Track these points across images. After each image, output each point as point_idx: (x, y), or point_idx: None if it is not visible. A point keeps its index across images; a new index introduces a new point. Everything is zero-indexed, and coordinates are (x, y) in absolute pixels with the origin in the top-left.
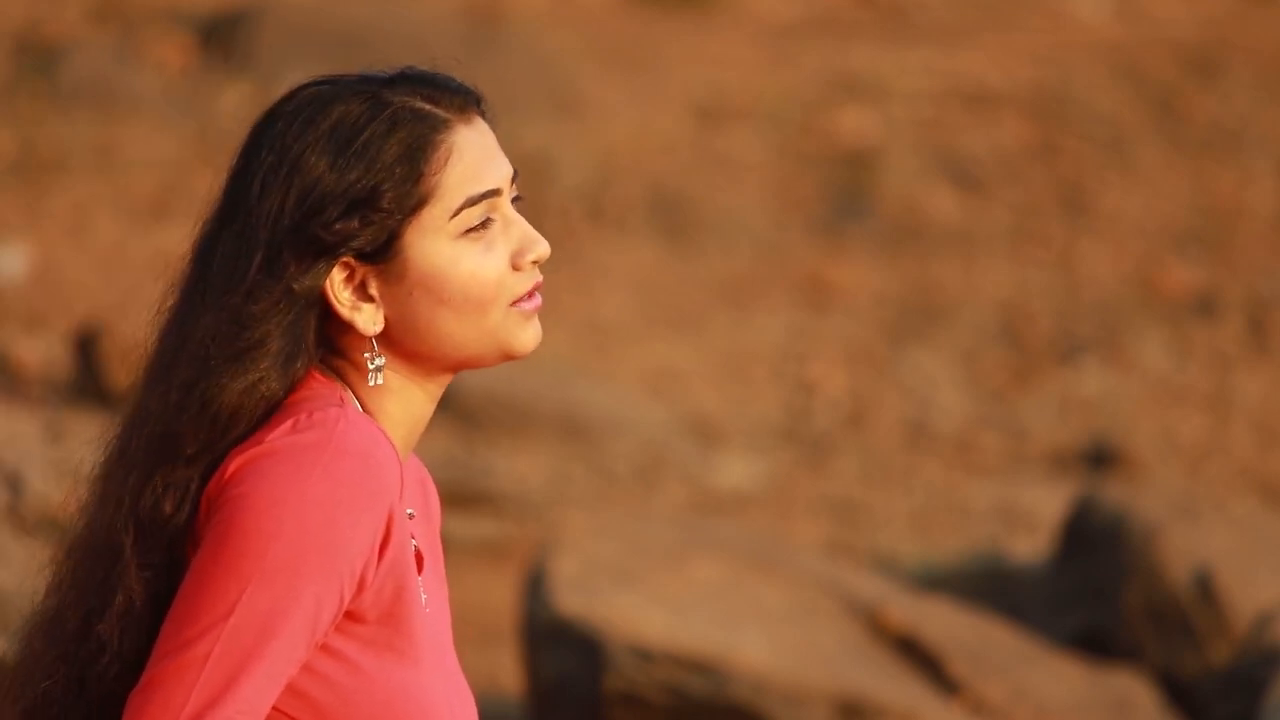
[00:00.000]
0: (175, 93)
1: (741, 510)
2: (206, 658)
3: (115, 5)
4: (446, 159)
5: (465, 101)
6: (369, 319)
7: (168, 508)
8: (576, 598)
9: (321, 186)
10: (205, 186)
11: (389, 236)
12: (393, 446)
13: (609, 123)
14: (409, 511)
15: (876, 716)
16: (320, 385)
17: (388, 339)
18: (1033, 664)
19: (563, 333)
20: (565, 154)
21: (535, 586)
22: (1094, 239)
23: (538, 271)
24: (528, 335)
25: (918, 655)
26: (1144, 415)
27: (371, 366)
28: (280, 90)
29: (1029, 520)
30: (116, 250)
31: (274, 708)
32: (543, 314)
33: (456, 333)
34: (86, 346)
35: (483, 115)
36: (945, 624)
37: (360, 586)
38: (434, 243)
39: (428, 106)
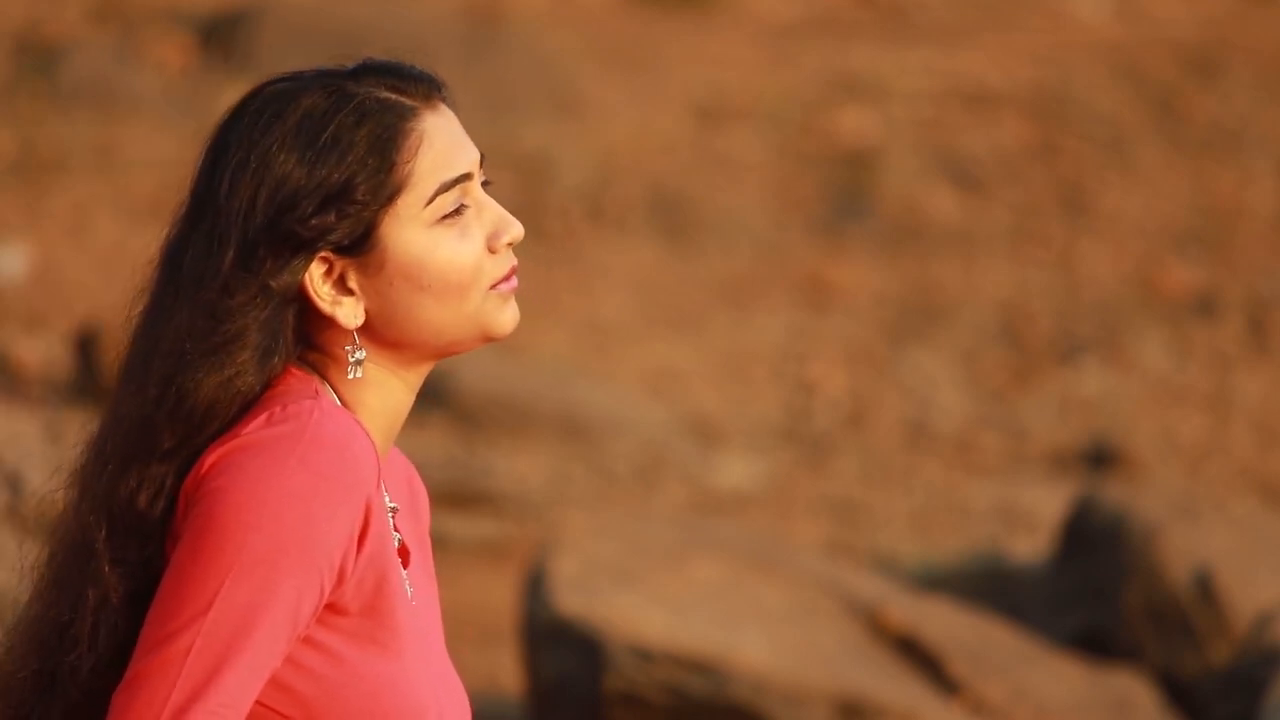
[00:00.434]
0: (175, 93)
1: (741, 510)
2: (188, 652)
3: (115, 5)
4: (417, 147)
5: (429, 89)
6: (350, 312)
7: (143, 503)
8: (576, 598)
9: (293, 182)
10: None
11: (366, 228)
12: (369, 438)
13: (609, 123)
14: (392, 505)
15: (876, 716)
16: (296, 379)
17: (368, 330)
18: (1033, 664)
19: (563, 333)
20: (565, 154)
21: (535, 586)
22: (1094, 239)
23: (513, 254)
24: (506, 316)
25: (918, 655)
26: (1144, 415)
27: (352, 360)
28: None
29: (1029, 520)
30: (116, 250)
31: (258, 702)
32: (543, 314)
33: (437, 319)
34: (86, 346)
35: (445, 101)
36: (945, 624)
37: (340, 578)
38: (411, 231)
39: (393, 96)
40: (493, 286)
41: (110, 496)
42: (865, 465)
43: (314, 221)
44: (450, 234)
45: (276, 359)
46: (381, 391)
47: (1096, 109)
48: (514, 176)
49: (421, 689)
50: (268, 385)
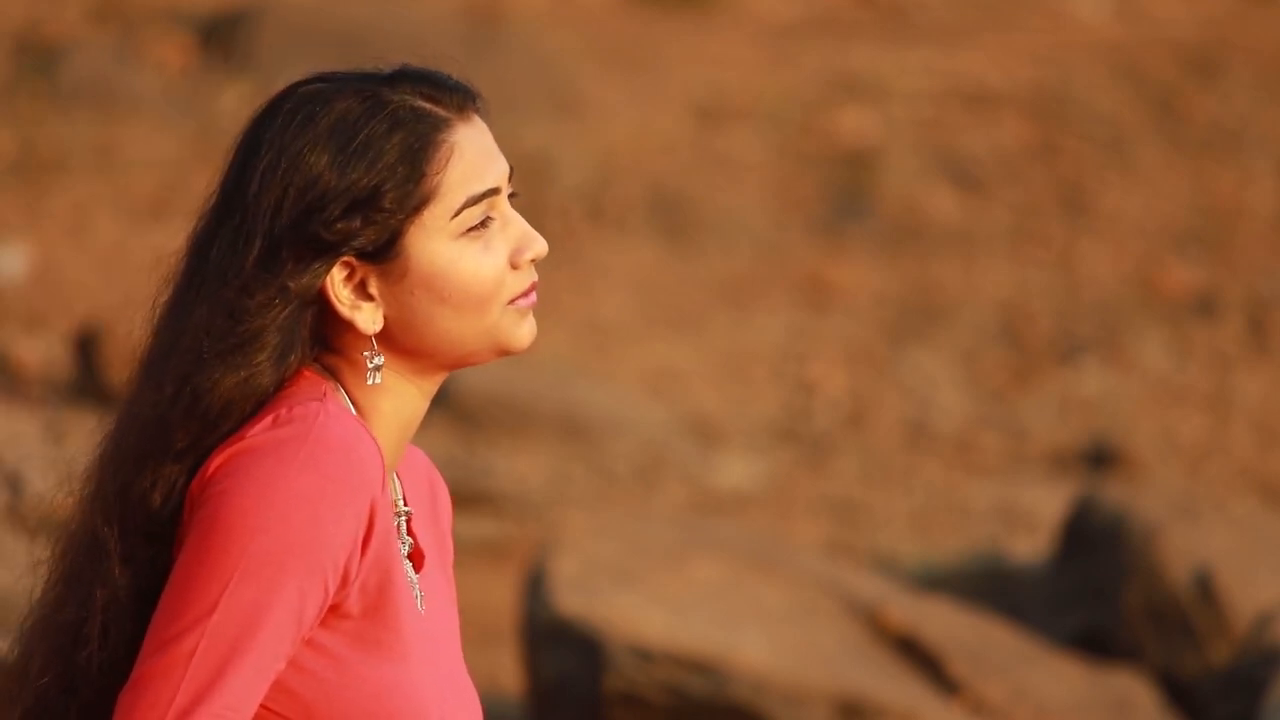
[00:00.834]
0: (175, 93)
1: (741, 510)
2: (192, 653)
3: (115, 5)
4: (448, 158)
5: (464, 100)
6: (369, 318)
7: (156, 502)
8: (576, 598)
9: (321, 184)
10: (205, 186)
11: (391, 236)
12: (374, 440)
13: (609, 123)
14: (406, 510)
15: (876, 716)
16: (306, 382)
17: (385, 337)
18: (1033, 664)
19: (563, 333)
20: (565, 154)
21: (535, 586)
22: (1094, 239)
23: (534, 270)
24: (524, 331)
25: (918, 655)
26: (1144, 415)
27: (371, 365)
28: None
29: (1029, 520)
30: (116, 250)
31: (261, 705)
32: (543, 314)
33: (455, 330)
34: (86, 346)
35: (479, 113)
36: (945, 624)
37: (344, 580)
38: (435, 242)
39: (428, 105)
40: (511, 301)
41: (123, 494)
42: (865, 465)
43: (339, 226)
44: (474, 247)
45: (292, 360)
46: (396, 398)
47: (1096, 109)
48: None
49: (425, 693)
50: (281, 385)
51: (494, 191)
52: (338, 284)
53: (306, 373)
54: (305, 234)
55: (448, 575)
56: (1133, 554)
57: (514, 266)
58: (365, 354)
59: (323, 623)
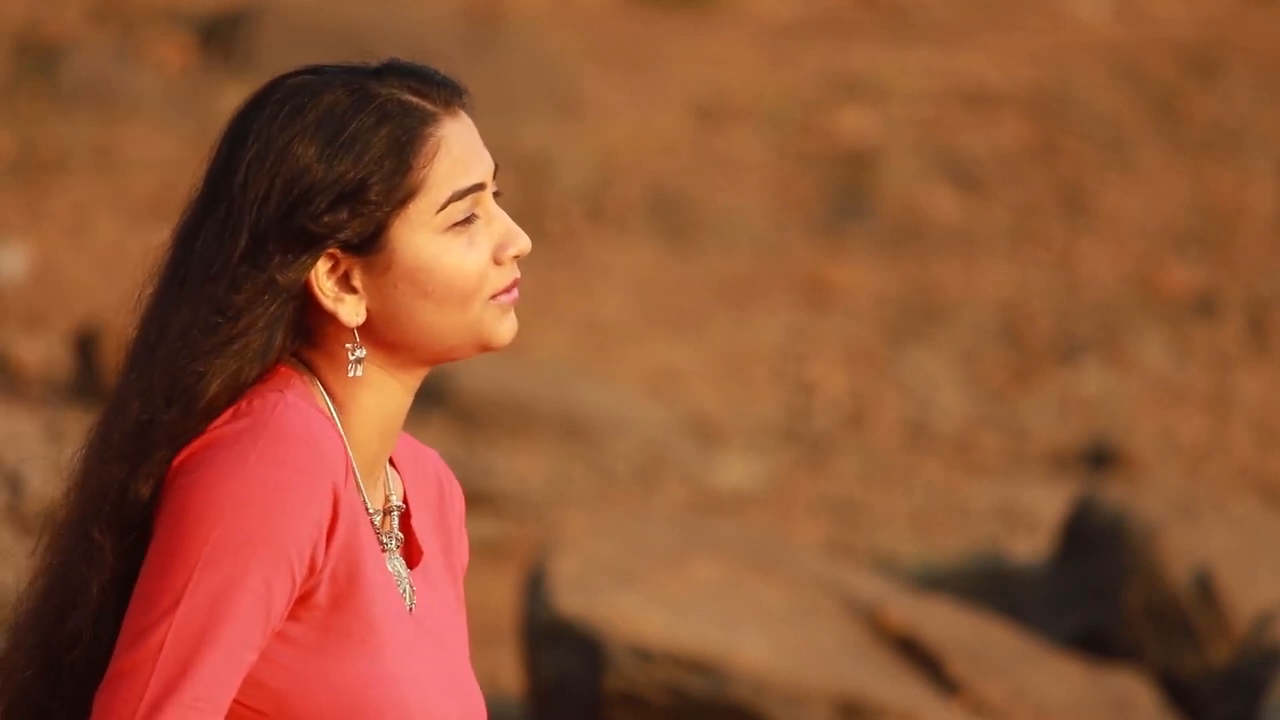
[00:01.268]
0: (175, 93)
1: (741, 510)
2: (161, 646)
3: (115, 5)
4: (435, 153)
5: (451, 95)
6: (352, 310)
7: (143, 493)
8: (576, 598)
9: (309, 177)
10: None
11: (376, 229)
12: (335, 429)
13: (609, 123)
14: (399, 504)
15: (876, 716)
16: (277, 375)
17: (367, 330)
18: (1033, 664)
19: (563, 333)
20: (565, 154)
21: (535, 586)
22: (1094, 239)
23: (517, 266)
24: (505, 327)
25: (918, 655)
26: (1144, 415)
27: (352, 358)
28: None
29: (1029, 520)
30: (116, 250)
31: (235, 700)
32: (543, 314)
33: (437, 324)
34: (86, 346)
35: (466, 109)
36: (945, 624)
37: (311, 568)
38: (420, 236)
39: (415, 100)
40: (494, 297)
41: (109, 487)
42: (865, 465)
43: (326, 218)
44: (458, 242)
45: (274, 354)
46: (377, 392)
47: (1096, 109)
48: (514, 176)
49: (406, 688)
50: (260, 379)
51: (479, 187)
52: (321, 276)
53: (281, 368)
54: (292, 226)
55: (454, 576)
56: (1133, 554)
57: (497, 262)
58: (347, 346)
59: (291, 615)
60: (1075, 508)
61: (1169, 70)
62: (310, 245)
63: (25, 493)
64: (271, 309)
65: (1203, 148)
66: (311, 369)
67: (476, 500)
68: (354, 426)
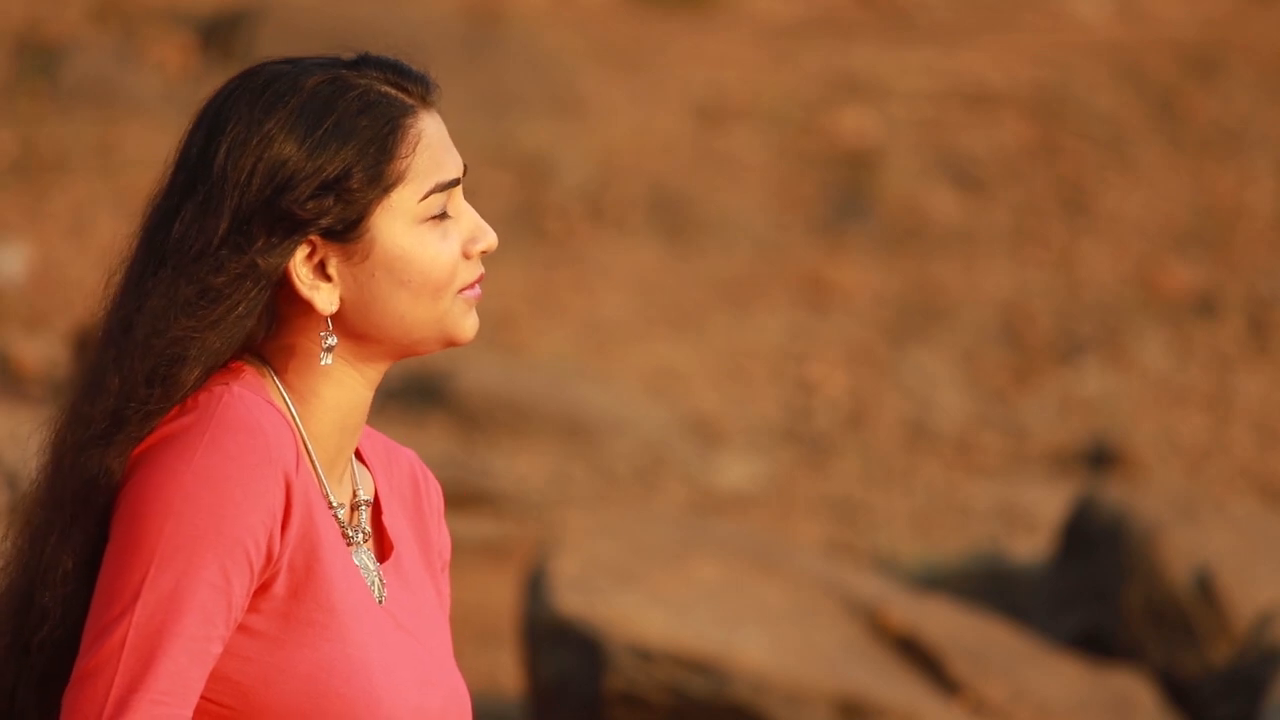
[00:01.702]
0: (175, 93)
1: (741, 510)
2: (123, 644)
3: (115, 5)
4: (416, 143)
5: (426, 90)
6: (327, 298)
7: (118, 472)
8: (576, 598)
9: (293, 163)
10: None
11: (359, 216)
12: (284, 418)
13: (609, 123)
14: (365, 499)
15: (876, 716)
16: (224, 369)
17: (336, 320)
18: (1033, 664)
19: (563, 333)
20: (565, 154)
21: (535, 586)
22: (1094, 239)
23: (482, 263)
24: (470, 323)
25: (918, 655)
26: (1144, 415)
27: (324, 346)
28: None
29: (1029, 520)
30: (116, 250)
31: (200, 696)
32: (543, 314)
33: (409, 315)
34: (86, 346)
35: (436, 105)
36: (945, 624)
37: (269, 557)
38: (399, 224)
39: (394, 91)
40: (461, 291)
41: (85, 463)
42: (865, 465)
43: (310, 204)
44: (434, 234)
45: (245, 340)
46: (338, 385)
47: (1096, 109)
48: (514, 176)
49: (375, 677)
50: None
51: (456, 182)
52: (299, 263)
53: (232, 362)
54: (277, 211)
55: (433, 571)
56: (1133, 554)
57: (466, 256)
58: (321, 335)
59: (252, 606)
60: (1075, 508)
61: (1169, 70)
62: (293, 231)
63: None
64: (252, 294)
65: (1203, 148)
66: (269, 362)
67: (476, 500)
68: (313, 420)
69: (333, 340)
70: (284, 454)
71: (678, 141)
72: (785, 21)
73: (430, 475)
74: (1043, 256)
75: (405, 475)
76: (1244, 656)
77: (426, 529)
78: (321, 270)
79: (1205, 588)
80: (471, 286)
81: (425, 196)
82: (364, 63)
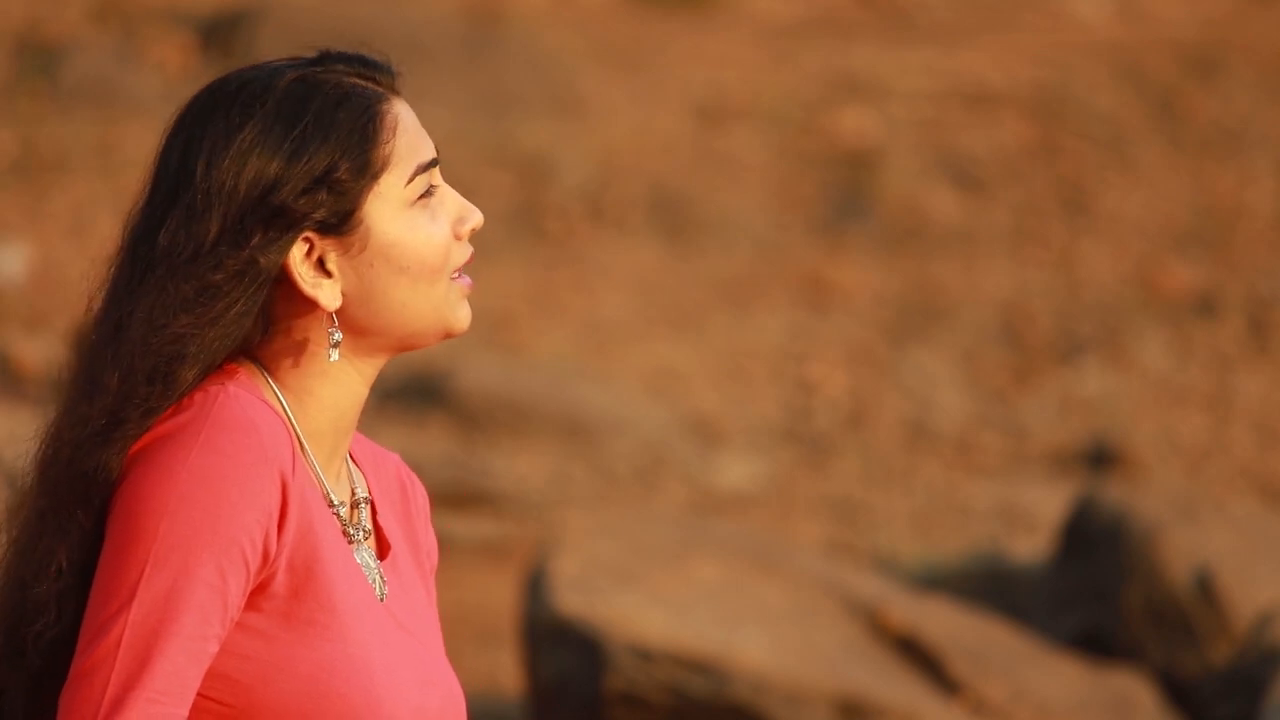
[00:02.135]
0: (175, 93)
1: (741, 510)
2: (119, 644)
3: (115, 5)
4: (395, 128)
5: (392, 78)
6: (330, 294)
7: (116, 469)
8: (576, 598)
9: (277, 164)
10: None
11: (352, 206)
12: (279, 417)
13: (609, 123)
14: (365, 496)
15: (876, 716)
16: (217, 370)
17: (339, 315)
18: (1033, 664)
19: (563, 333)
20: (565, 154)
21: (535, 586)
22: (1094, 239)
23: (471, 247)
24: (464, 312)
25: (918, 655)
26: (1144, 415)
27: (332, 341)
28: None
29: (1029, 520)
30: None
31: (200, 695)
32: (543, 314)
33: (411, 303)
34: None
35: (401, 91)
36: (945, 624)
37: (265, 556)
38: (391, 209)
39: (363, 82)
40: (455, 275)
41: (83, 459)
42: (865, 465)
43: (302, 199)
44: (424, 216)
45: (242, 340)
46: (334, 383)
47: (1096, 109)
48: (514, 176)
49: (377, 676)
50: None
51: (435, 161)
52: (298, 261)
53: (225, 363)
54: (271, 208)
55: (423, 573)
56: (1133, 554)
57: (456, 237)
58: (329, 330)
59: (252, 605)
60: (1075, 508)
61: (1169, 70)
62: (289, 227)
63: None
64: (250, 291)
65: (1203, 148)
66: (263, 364)
67: (476, 500)
68: (309, 419)
69: (338, 335)
70: (280, 453)
71: (678, 141)
72: (785, 21)
73: (416, 479)
74: (1043, 256)
75: (392, 478)
76: (1244, 656)
77: (415, 533)
78: (321, 267)
79: (1205, 588)
80: (463, 273)
81: (411, 179)
82: (328, 58)
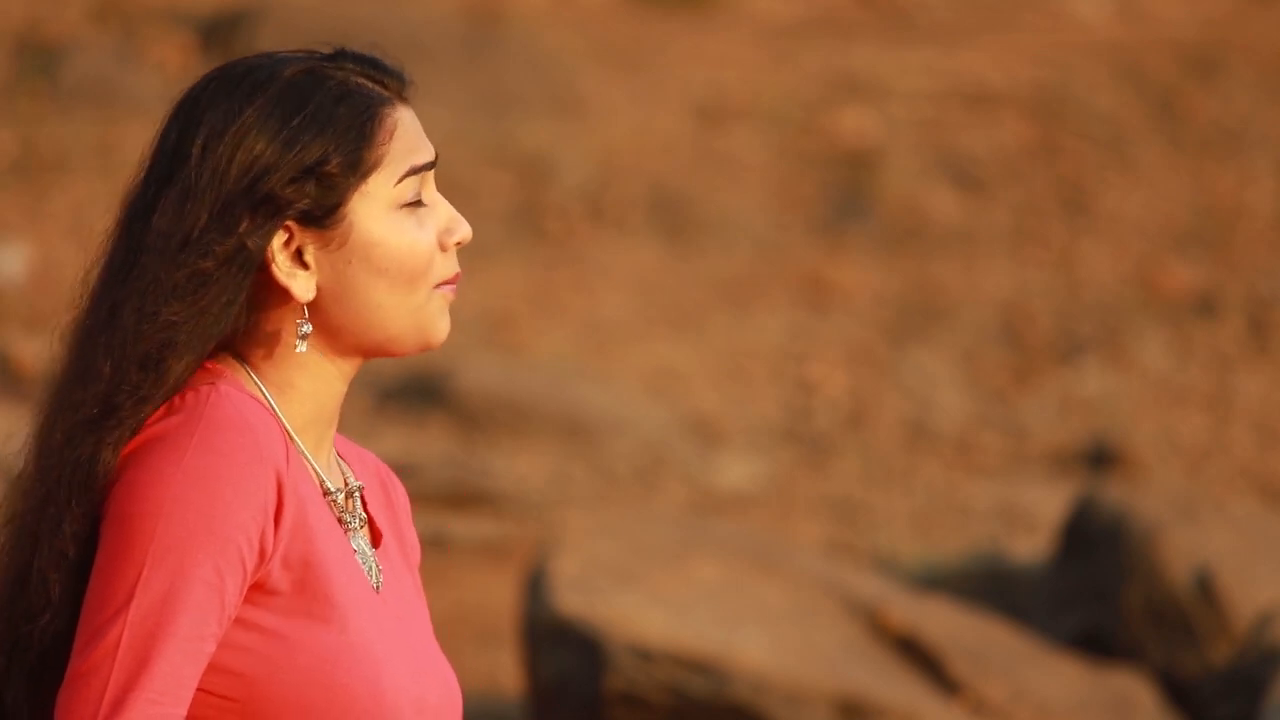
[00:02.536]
0: (175, 93)
1: (741, 510)
2: (117, 645)
3: (115, 5)
4: (393, 131)
5: (400, 84)
6: (304, 285)
7: (111, 460)
8: (576, 598)
9: (271, 150)
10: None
11: (338, 200)
12: (271, 414)
13: (609, 123)
14: (358, 484)
15: (876, 716)
16: (203, 370)
17: (312, 310)
18: (1033, 664)
19: (563, 333)
20: (565, 154)
21: (535, 586)
22: (1094, 239)
23: (457, 261)
24: (444, 323)
25: (918, 655)
26: (1144, 415)
27: (300, 333)
28: None
29: (1029, 520)
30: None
31: (202, 690)
32: (543, 314)
33: (386, 306)
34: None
35: (410, 100)
36: (945, 624)
37: (262, 555)
38: (377, 209)
39: (370, 84)
40: (438, 286)
41: (76, 451)
42: (865, 465)
43: (290, 188)
44: (411, 221)
45: (228, 331)
46: (313, 377)
47: (1096, 109)
48: (514, 176)
49: (380, 665)
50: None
51: (430, 166)
52: (276, 249)
53: (208, 363)
54: (258, 194)
55: (411, 569)
56: (1133, 554)
57: (442, 248)
58: (298, 322)
59: (251, 601)
60: (1075, 508)
61: (1169, 70)
62: (274, 214)
63: None
64: (239, 278)
65: (1203, 148)
66: (243, 357)
67: (476, 500)
68: (292, 411)
69: (307, 328)
70: (274, 450)
71: (678, 141)
72: (785, 21)
73: (395, 477)
74: (1043, 256)
75: (373, 474)
76: (1244, 656)
77: (400, 525)
78: (299, 258)
79: (1205, 588)
80: (450, 282)
81: (400, 180)
82: (341, 56)
